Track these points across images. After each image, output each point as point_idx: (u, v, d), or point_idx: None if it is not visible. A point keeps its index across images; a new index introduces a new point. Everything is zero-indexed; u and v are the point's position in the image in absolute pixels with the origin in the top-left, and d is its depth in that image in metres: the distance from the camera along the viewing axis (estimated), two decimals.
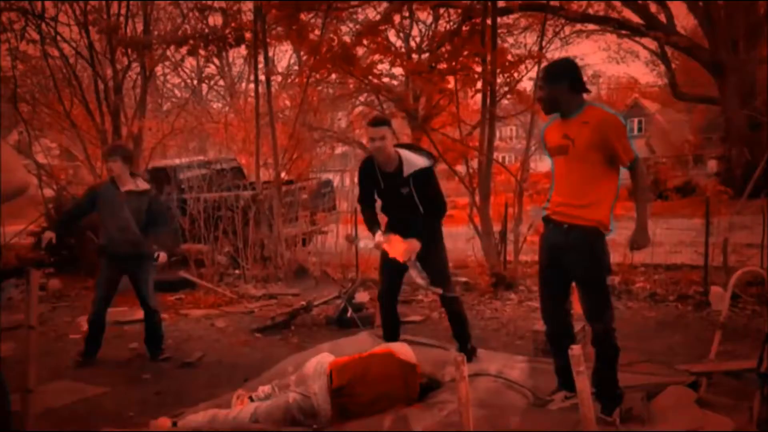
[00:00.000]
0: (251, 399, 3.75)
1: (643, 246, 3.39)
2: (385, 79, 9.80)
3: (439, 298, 4.69)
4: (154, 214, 5.34)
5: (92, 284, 8.63)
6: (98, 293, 5.42)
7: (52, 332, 6.45)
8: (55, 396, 4.44)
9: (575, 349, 2.53)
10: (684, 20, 20.93)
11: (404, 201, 4.31)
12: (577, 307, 3.65)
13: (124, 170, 5.23)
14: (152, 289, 5.46)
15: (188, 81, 20.48)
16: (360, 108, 17.11)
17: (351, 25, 12.41)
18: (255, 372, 4.60)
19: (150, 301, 5.43)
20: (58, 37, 10.02)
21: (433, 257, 4.39)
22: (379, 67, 9.78)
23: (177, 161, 11.41)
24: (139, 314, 7.00)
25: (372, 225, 4.48)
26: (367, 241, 4.57)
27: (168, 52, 11.17)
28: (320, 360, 3.68)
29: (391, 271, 4.45)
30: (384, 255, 4.47)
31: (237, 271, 8.96)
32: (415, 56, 9.41)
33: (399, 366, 3.61)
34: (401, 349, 3.70)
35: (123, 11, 10.29)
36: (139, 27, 11.24)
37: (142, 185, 5.35)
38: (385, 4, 10.09)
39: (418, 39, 15.37)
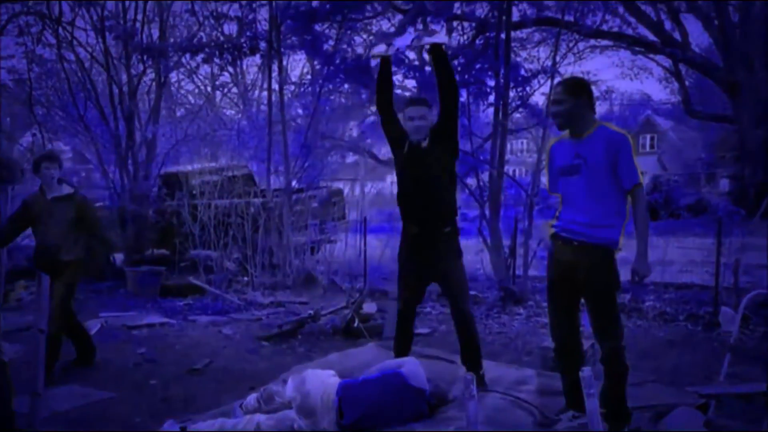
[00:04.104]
0: (241, 408, 3.74)
1: (644, 276, 3.35)
2: (398, 91, 9.81)
3: (453, 317, 4.28)
4: (84, 220, 5.17)
5: (101, 287, 8.75)
6: None
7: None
8: (62, 399, 4.46)
9: (586, 371, 2.52)
10: (699, 38, 20.89)
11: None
12: (586, 325, 3.64)
13: (55, 177, 5.12)
14: (59, 306, 4.83)
15: (202, 88, 20.59)
16: (372, 118, 17.13)
17: (365, 36, 12.43)
18: (261, 380, 4.59)
19: (54, 314, 4.56)
20: (75, 42, 10.11)
21: (452, 271, 4.14)
22: (392, 78, 9.82)
23: (189, 167, 11.47)
24: (148, 318, 7.09)
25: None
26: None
27: (183, 59, 11.23)
28: (327, 389, 3.55)
29: (415, 284, 4.26)
30: (404, 267, 4.24)
31: (245, 278, 8.98)
32: (428, 68, 9.39)
33: (411, 394, 3.54)
34: (412, 372, 3.62)
35: (139, 17, 10.38)
36: (155, 33, 11.34)
37: (67, 189, 5.22)
38: (399, 17, 10.12)
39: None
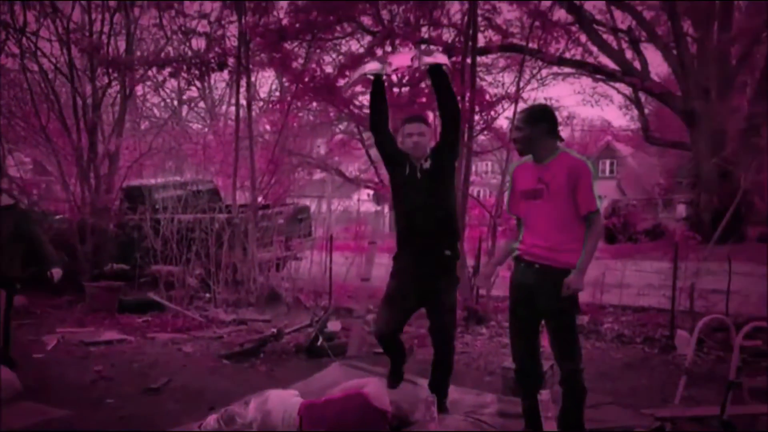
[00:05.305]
0: (200, 429, 3.70)
1: (576, 290, 3.40)
2: (367, 111, 9.90)
3: (434, 343, 4.13)
4: (22, 233, 5.03)
5: (60, 302, 8.54)
6: None
7: (17, 351, 6.27)
8: (17, 417, 4.34)
9: (544, 395, 2.57)
10: (658, 68, 21.58)
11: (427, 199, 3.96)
12: (546, 346, 3.70)
13: None
14: None
15: (168, 101, 20.43)
16: (340, 136, 17.23)
17: (334, 55, 12.53)
18: (221, 400, 4.53)
19: None
20: (39, 52, 9.96)
21: (446, 298, 4.03)
22: (360, 98, 9.94)
23: (152, 181, 11.32)
24: (106, 335, 6.94)
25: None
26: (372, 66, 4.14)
27: (150, 73, 11.14)
28: (288, 409, 3.53)
29: (409, 307, 4.09)
30: (397, 290, 4.05)
31: (207, 295, 8.86)
32: (396, 90, 9.53)
33: (372, 414, 3.53)
34: (375, 392, 3.62)
35: (106, 29, 10.27)
36: (122, 46, 11.24)
37: (6, 201, 5.06)
38: (368, 38, 10.25)
39: (399, 73, 15.51)
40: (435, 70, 4.01)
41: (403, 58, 4.27)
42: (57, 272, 5.07)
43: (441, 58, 4.09)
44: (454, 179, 4.20)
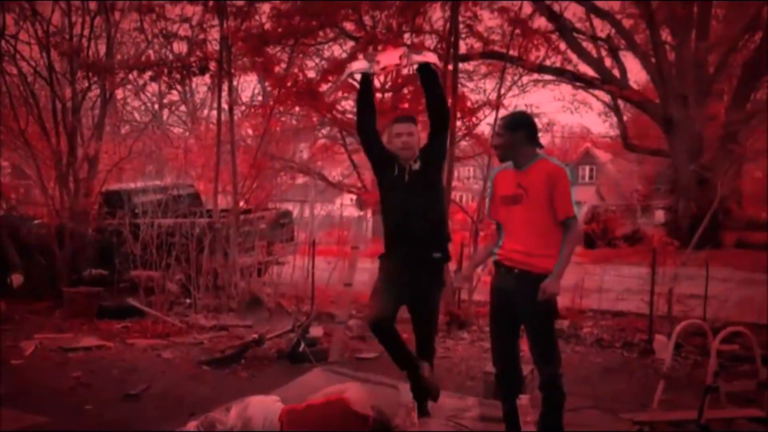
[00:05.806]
0: None
1: (552, 294, 3.40)
2: (349, 116, 9.94)
3: (417, 346, 4.06)
4: None
5: (38, 308, 8.44)
6: None
7: None
8: None
9: (523, 399, 2.60)
10: (637, 75, 21.85)
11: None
12: (526, 350, 3.73)
13: None
14: None
15: (149, 105, 20.28)
16: (323, 140, 17.22)
17: (317, 60, 12.55)
18: (202, 407, 4.50)
19: None
20: (18, 55, 9.86)
21: (432, 300, 4.02)
22: (343, 103, 9.97)
23: (132, 185, 11.23)
24: (85, 341, 6.87)
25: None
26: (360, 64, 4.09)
27: (130, 76, 11.06)
28: (269, 415, 3.52)
29: (393, 294, 3.90)
30: (382, 279, 3.98)
31: (188, 300, 8.79)
32: (378, 95, 9.57)
33: (353, 419, 3.53)
34: (356, 397, 3.62)
35: (86, 32, 10.19)
36: (102, 49, 11.15)
37: None
38: (351, 43, 10.28)
39: (382, 78, 15.58)
40: (424, 69, 3.97)
41: (391, 57, 4.16)
42: (17, 278, 4.97)
43: (430, 57, 4.06)
44: (443, 180, 4.18)
